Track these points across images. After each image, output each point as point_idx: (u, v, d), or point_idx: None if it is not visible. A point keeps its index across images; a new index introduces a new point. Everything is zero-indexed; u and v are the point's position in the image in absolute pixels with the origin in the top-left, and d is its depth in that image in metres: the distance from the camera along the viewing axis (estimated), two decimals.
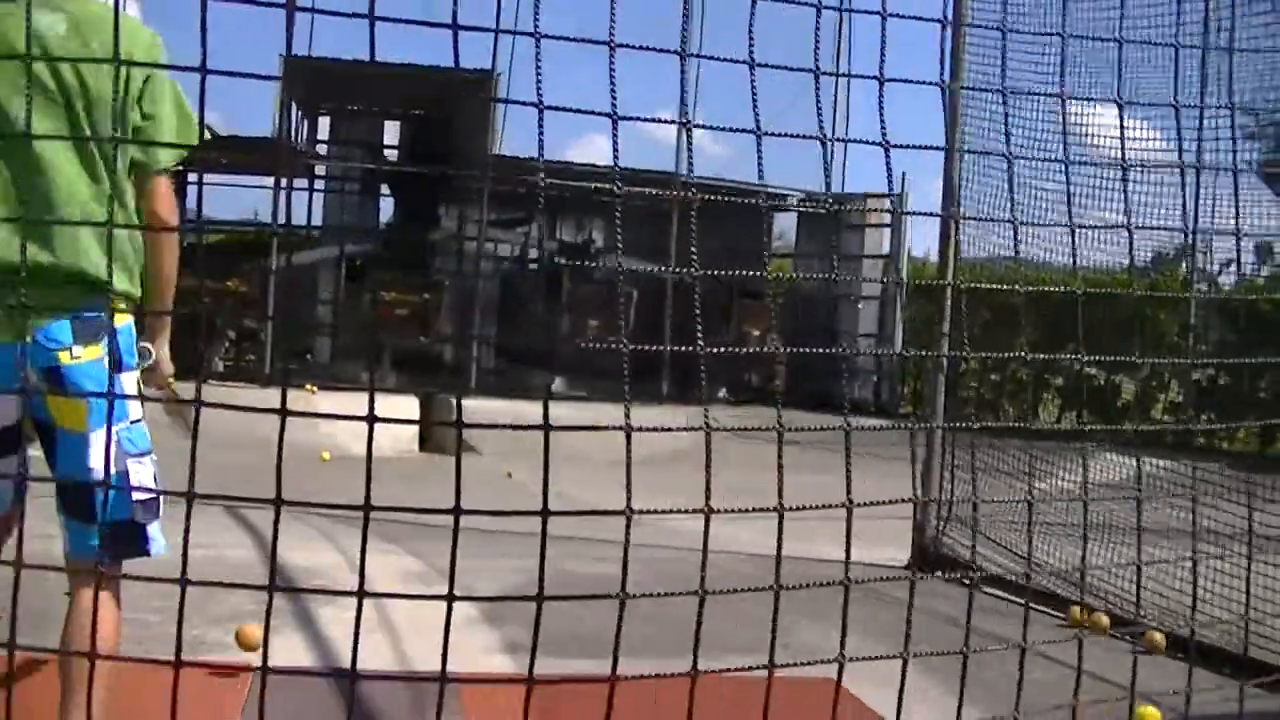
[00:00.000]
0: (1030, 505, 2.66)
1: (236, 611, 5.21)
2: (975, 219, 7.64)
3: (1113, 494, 5.76)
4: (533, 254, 20.35)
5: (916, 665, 2.74)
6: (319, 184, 20.86)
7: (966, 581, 6.20)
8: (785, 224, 22.25)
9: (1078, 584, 6.06)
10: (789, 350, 2.74)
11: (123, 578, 3.14)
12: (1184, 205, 7.52)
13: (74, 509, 3.08)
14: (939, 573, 7.12)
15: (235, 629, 5.04)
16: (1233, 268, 13.52)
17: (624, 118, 2.16)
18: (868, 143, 2.43)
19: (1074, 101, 6.13)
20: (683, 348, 2.35)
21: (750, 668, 2.21)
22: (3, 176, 3.01)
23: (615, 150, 2.11)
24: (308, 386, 12.87)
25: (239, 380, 14.37)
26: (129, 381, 3.15)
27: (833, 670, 2.24)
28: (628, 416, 2.10)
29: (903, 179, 16.54)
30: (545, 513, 2.00)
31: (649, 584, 2.43)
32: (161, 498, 3.18)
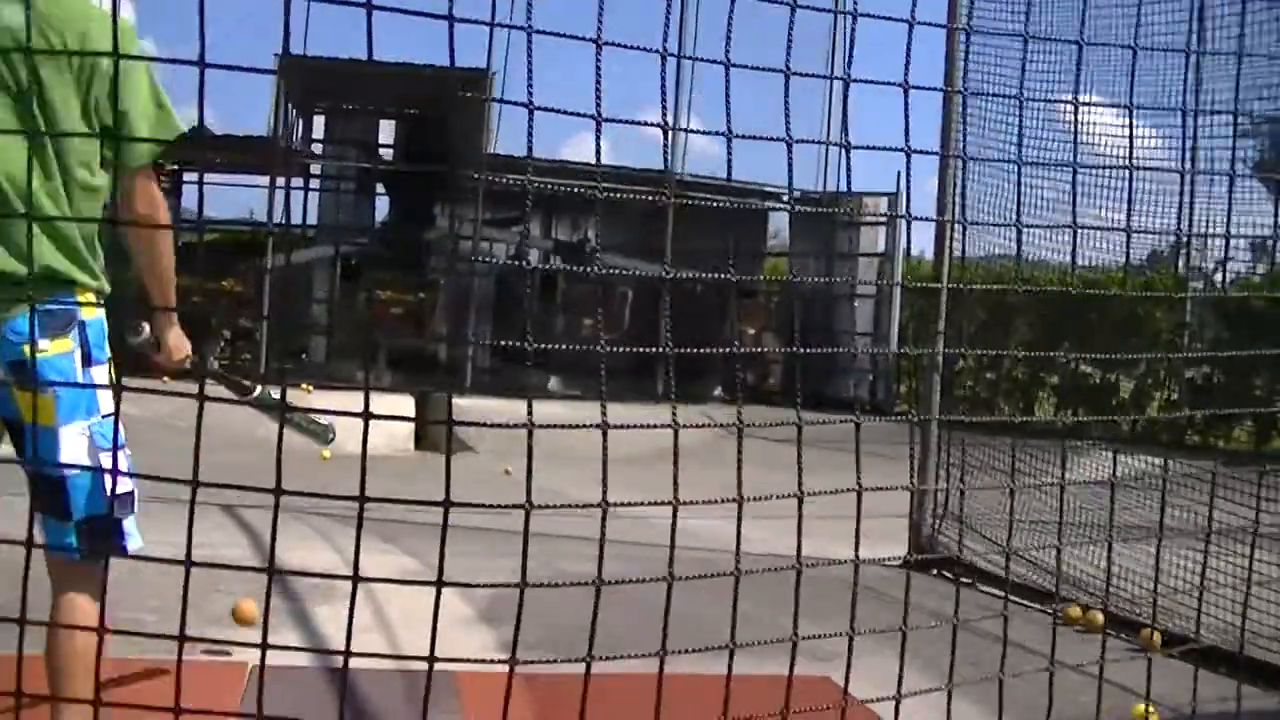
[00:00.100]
0: (1012, 496, 2.66)
1: (235, 608, 5.21)
2: (973, 223, 7.64)
3: (1105, 490, 5.75)
4: (529, 254, 20.35)
5: (915, 664, 2.74)
6: (314, 183, 20.87)
7: (965, 581, 6.19)
8: (780, 222, 22.26)
9: (1073, 581, 6.07)
10: (784, 352, 2.74)
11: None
12: (1180, 204, 7.54)
13: (48, 506, 3.04)
14: (935, 570, 7.13)
15: (232, 606, 5.06)
16: (1228, 265, 13.56)
17: (610, 119, 2.16)
18: (871, 147, 2.44)
19: (1070, 100, 6.13)
20: (649, 348, 2.35)
21: (714, 648, 2.21)
22: None
23: (599, 150, 2.11)
24: (303, 386, 12.86)
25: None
26: (100, 375, 3.08)
27: (830, 669, 2.24)
28: (604, 415, 2.14)
29: (897, 177, 16.53)
30: (528, 506, 2.08)
31: (647, 584, 2.43)
32: (137, 493, 3.16)
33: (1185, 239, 11.16)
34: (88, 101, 3.03)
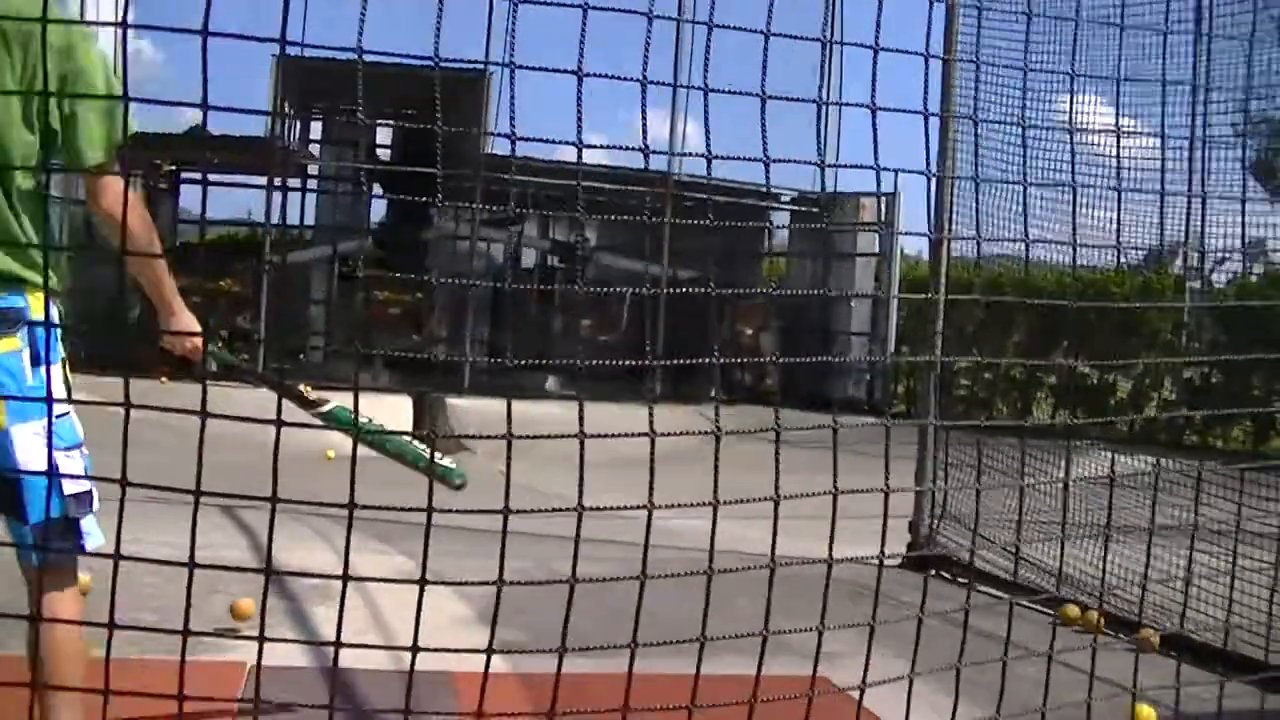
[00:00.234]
0: (1015, 495, 2.67)
1: (235, 608, 5.21)
2: (967, 238, 7.63)
3: (1104, 491, 5.75)
4: (526, 254, 20.36)
5: (914, 664, 2.74)
6: (311, 183, 20.86)
7: (962, 581, 6.19)
8: (779, 222, 22.24)
9: (1071, 581, 6.07)
10: (781, 359, 2.75)
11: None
12: (1159, 211, 7.54)
13: (6, 508, 3.02)
14: (933, 571, 7.13)
15: (230, 604, 5.07)
16: (1225, 266, 13.57)
17: (588, 146, 2.16)
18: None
19: (1067, 98, 6.13)
20: (643, 355, 2.36)
21: (684, 641, 2.21)
22: None
23: (580, 149, 2.11)
24: (302, 386, 12.83)
25: (232, 380, 14.33)
26: (52, 374, 3.02)
27: (828, 669, 2.24)
28: (581, 422, 2.16)
29: (895, 178, 16.52)
30: (506, 510, 2.14)
31: (646, 585, 2.43)
32: (95, 492, 3.11)
33: (1185, 237, 11.15)
34: (29, 102, 2.98)
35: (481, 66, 15.59)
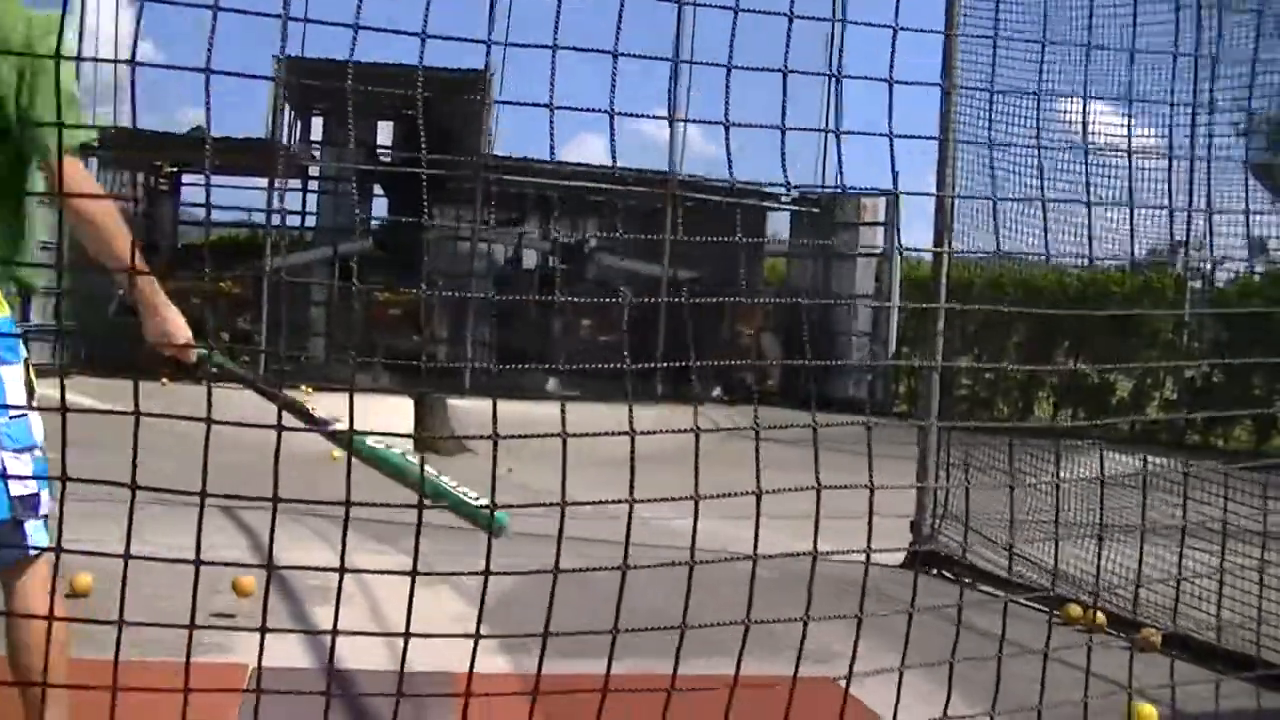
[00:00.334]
0: (1014, 495, 2.67)
1: (235, 612, 5.21)
2: (967, 253, 7.63)
3: (1105, 490, 5.75)
4: (527, 255, 20.36)
5: (912, 661, 2.74)
6: (312, 184, 20.87)
7: (965, 580, 6.19)
8: (779, 222, 22.25)
9: (1073, 581, 6.06)
10: (780, 360, 2.75)
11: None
12: (1174, 196, 7.52)
13: None
14: (934, 570, 7.13)
15: (232, 580, 5.09)
16: (1226, 265, 13.55)
17: (561, 167, 2.16)
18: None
19: (1068, 97, 6.12)
20: (646, 359, 2.36)
21: (662, 628, 2.21)
22: None
23: (551, 147, 2.11)
24: (303, 388, 12.83)
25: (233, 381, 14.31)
26: (10, 375, 3.01)
27: (829, 669, 2.24)
28: (564, 424, 2.17)
29: (894, 177, 16.49)
30: (492, 506, 2.27)
31: (644, 584, 2.43)
32: (44, 495, 3.07)
33: (1186, 236, 11.13)
34: None
35: (483, 66, 15.58)
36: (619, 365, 2.44)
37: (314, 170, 20.65)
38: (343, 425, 3.26)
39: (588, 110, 2.23)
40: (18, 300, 3.15)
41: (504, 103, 15.96)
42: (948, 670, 2.80)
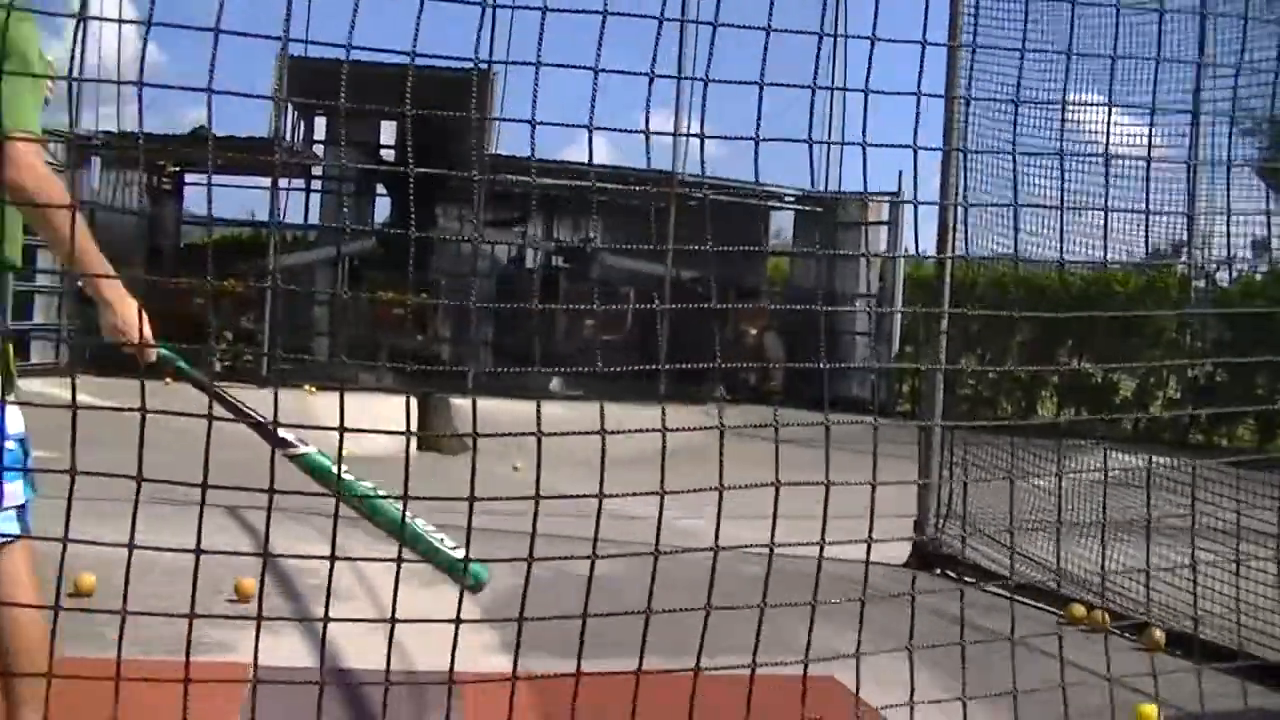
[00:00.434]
0: (1016, 492, 2.67)
1: (236, 612, 5.21)
2: (967, 258, 7.62)
3: (1109, 491, 5.76)
4: (529, 254, 20.38)
5: (917, 661, 2.74)
6: (315, 184, 20.87)
7: (968, 580, 6.19)
8: (783, 221, 22.25)
9: (1077, 581, 6.06)
10: (780, 366, 2.75)
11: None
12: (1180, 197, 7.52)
13: None
14: (938, 570, 7.13)
15: (234, 582, 5.09)
16: (1229, 265, 13.54)
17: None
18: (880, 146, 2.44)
19: (1071, 96, 6.12)
20: (649, 360, 2.36)
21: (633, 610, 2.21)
22: None
23: (530, 148, 2.11)
24: (306, 387, 12.83)
25: (237, 381, 14.35)
26: None
27: (832, 668, 2.24)
28: (539, 425, 2.18)
29: (899, 178, 16.50)
30: (471, 498, 2.26)
31: (648, 584, 2.43)
32: (14, 486, 3.01)
33: (1188, 236, 11.13)
34: None
35: (485, 65, 15.58)
36: (622, 367, 2.45)
37: (316, 170, 20.65)
38: (305, 449, 3.15)
39: (579, 125, 2.23)
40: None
41: (491, 119, 15.93)
42: (950, 667, 2.80)
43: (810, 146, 2.50)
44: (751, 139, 2.49)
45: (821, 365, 2.71)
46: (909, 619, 2.72)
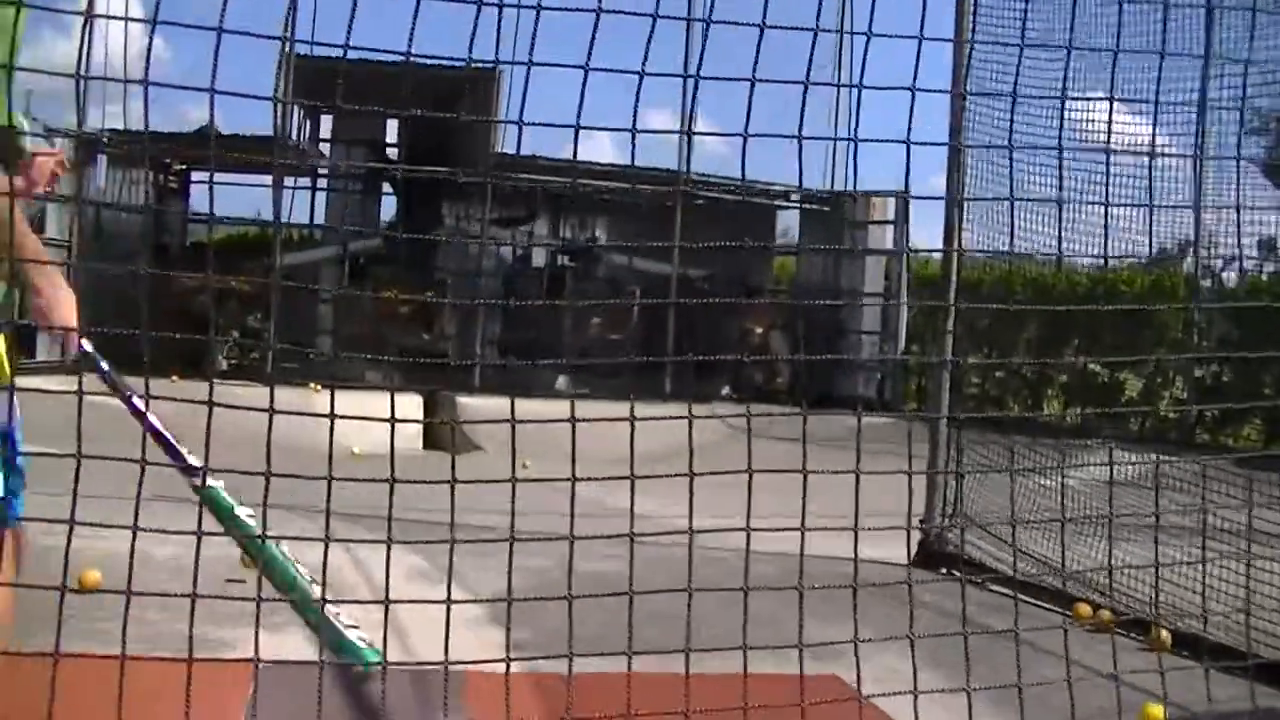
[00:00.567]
0: (1022, 490, 2.66)
1: (242, 610, 5.19)
2: (975, 251, 7.61)
3: (1116, 490, 5.76)
4: (536, 253, 20.36)
5: (922, 661, 2.74)
6: (321, 182, 20.86)
7: (975, 580, 6.19)
8: (789, 220, 22.22)
9: (1083, 580, 6.05)
10: (788, 358, 2.75)
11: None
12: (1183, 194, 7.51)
13: None
14: (943, 569, 7.12)
15: (240, 557, 5.10)
16: (1235, 264, 13.52)
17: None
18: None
19: (1075, 95, 6.11)
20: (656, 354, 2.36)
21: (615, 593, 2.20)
22: None
23: (514, 144, 2.10)
24: (312, 385, 12.83)
25: (243, 379, 14.36)
26: None
27: (837, 666, 2.24)
28: (513, 427, 2.18)
29: (906, 176, 16.44)
30: (453, 481, 2.26)
31: (657, 583, 2.43)
32: None
33: (1195, 235, 11.13)
34: None
35: (491, 64, 15.53)
36: (625, 361, 2.45)
37: (322, 168, 20.65)
38: (210, 483, 3.07)
39: (567, 125, 2.23)
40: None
41: (487, 120, 15.91)
42: (953, 665, 2.79)
43: (800, 144, 2.49)
44: (754, 134, 2.48)
45: (824, 358, 2.70)
46: (912, 617, 2.72)
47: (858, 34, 2.40)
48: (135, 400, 3.11)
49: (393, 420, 2.49)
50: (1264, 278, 14.17)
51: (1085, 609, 5.90)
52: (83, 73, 3.04)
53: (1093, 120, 6.81)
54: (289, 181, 19.28)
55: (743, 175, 3.11)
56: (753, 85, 2.42)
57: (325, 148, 21.17)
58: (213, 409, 2.10)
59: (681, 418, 2.41)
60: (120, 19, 6.51)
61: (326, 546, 2.16)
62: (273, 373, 14.76)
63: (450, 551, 2.18)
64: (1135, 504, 4.61)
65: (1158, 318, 15.30)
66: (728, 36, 2.47)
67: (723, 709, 2.41)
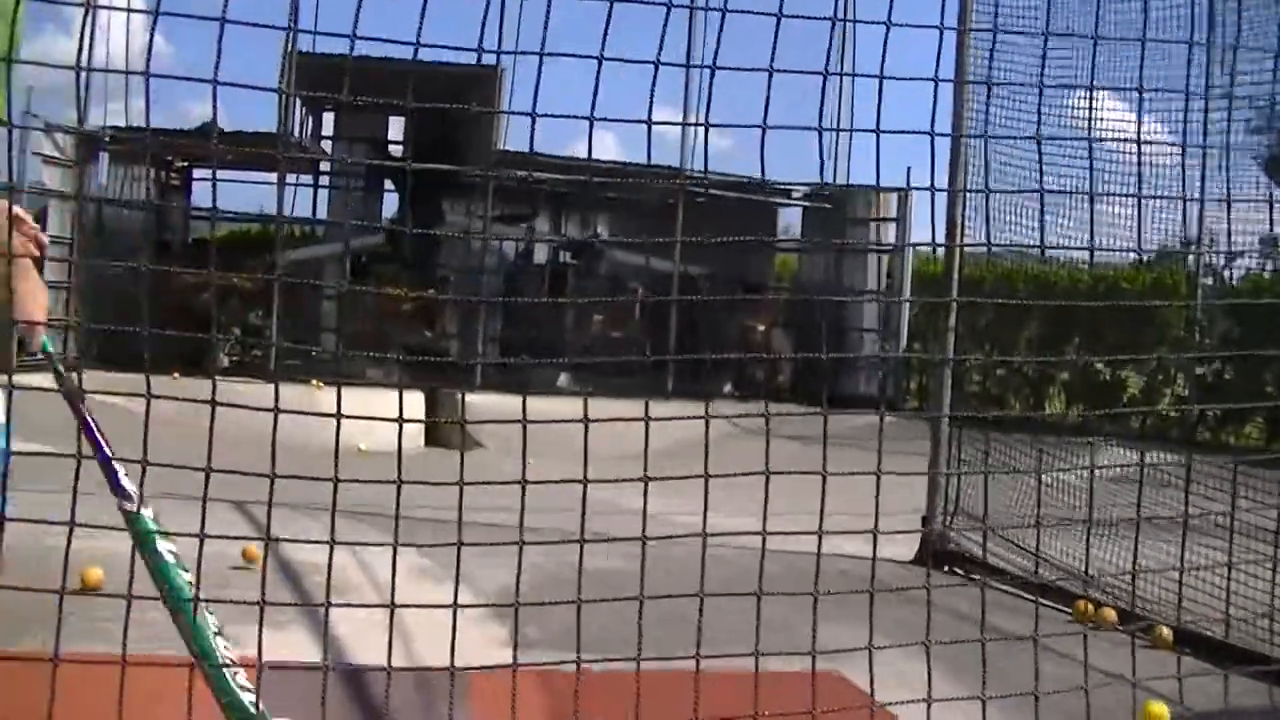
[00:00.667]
0: (1023, 489, 2.66)
1: (244, 609, 5.20)
2: (977, 244, 7.60)
3: (1117, 488, 5.76)
4: (538, 250, 20.37)
5: (922, 658, 2.73)
6: (323, 179, 20.88)
7: (975, 578, 6.18)
8: (791, 218, 22.21)
9: (1085, 578, 6.05)
10: (787, 355, 2.75)
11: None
12: (1187, 190, 7.50)
13: None
14: (945, 567, 7.12)
15: (242, 549, 5.12)
16: (1238, 262, 13.52)
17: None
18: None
19: (1076, 93, 6.11)
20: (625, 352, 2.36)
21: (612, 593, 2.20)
22: None
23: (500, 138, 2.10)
24: (314, 382, 12.86)
25: (245, 376, 14.36)
26: None
27: (839, 664, 2.23)
28: (524, 427, 2.18)
29: (907, 173, 16.47)
30: (461, 483, 2.26)
31: (660, 581, 2.43)
32: None
33: (1197, 233, 11.11)
34: None
35: (495, 61, 15.55)
36: (629, 358, 2.45)
37: (324, 165, 20.66)
38: (140, 510, 3.00)
39: (555, 116, 2.23)
40: None
41: (494, 111, 15.89)
42: (955, 663, 2.79)
43: (821, 136, 2.49)
44: (757, 126, 2.48)
45: (825, 356, 2.70)
46: (916, 615, 2.72)
47: (861, 22, 2.38)
48: (83, 410, 3.06)
49: (400, 420, 2.48)
50: (1266, 275, 14.16)
51: (1086, 605, 5.90)
52: (84, 66, 3.04)
53: (1090, 112, 6.80)
54: (291, 179, 19.25)
55: (762, 171, 3.09)
56: (770, 76, 2.41)
57: (327, 145, 21.18)
58: (215, 408, 2.10)
59: (698, 417, 2.41)
60: (122, 10, 6.50)
61: (331, 549, 2.15)
62: (276, 370, 14.78)
63: (458, 553, 2.17)
64: (1134, 502, 4.60)
65: (1159, 315, 15.31)
66: (728, 40, 2.46)
67: (731, 714, 2.41)
